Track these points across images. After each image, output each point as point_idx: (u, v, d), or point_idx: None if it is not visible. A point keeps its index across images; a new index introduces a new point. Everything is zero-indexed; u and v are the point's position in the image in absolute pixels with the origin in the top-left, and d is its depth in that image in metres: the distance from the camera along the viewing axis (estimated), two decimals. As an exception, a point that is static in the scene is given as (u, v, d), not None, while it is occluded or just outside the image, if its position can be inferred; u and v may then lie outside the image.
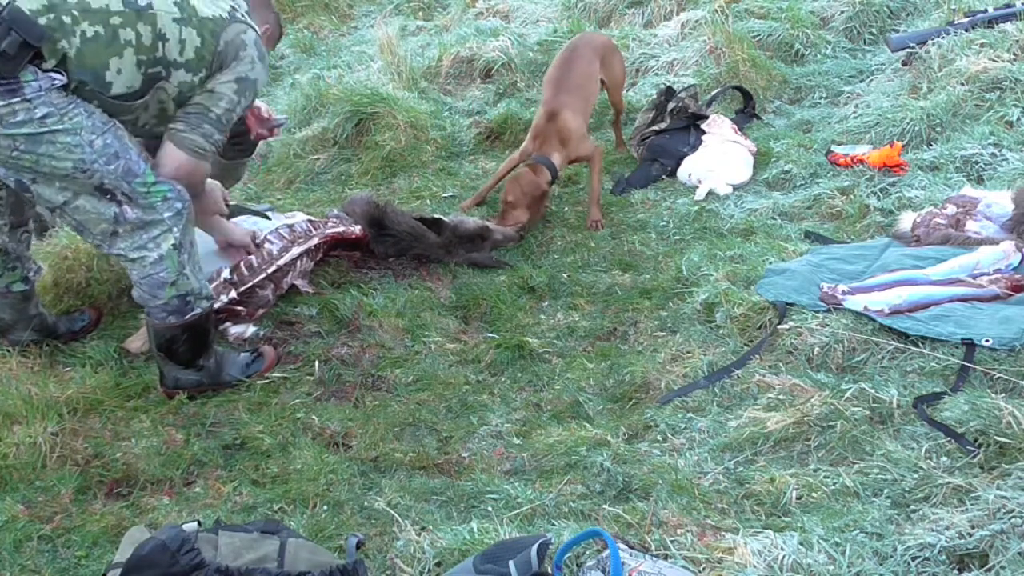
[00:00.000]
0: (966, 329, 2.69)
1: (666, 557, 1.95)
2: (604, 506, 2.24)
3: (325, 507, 2.36)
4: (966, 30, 4.55)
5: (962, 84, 4.21)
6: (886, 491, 2.17)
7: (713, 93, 4.78)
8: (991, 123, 3.97)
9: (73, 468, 2.48)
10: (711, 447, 2.49)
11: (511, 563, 1.80)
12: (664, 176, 4.29)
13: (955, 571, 1.87)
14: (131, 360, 2.99)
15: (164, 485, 2.47)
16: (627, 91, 4.83)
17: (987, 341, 2.62)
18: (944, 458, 2.25)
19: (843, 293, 2.95)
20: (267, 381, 2.90)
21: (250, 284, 3.14)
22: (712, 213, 3.91)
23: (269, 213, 3.45)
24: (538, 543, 1.84)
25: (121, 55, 2.46)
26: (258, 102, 3.11)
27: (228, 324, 3.12)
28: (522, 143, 4.66)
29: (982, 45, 4.40)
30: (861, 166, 3.98)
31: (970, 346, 2.63)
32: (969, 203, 3.38)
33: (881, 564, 1.89)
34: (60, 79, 2.40)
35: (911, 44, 4.68)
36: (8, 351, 2.88)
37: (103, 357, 2.97)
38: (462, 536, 2.07)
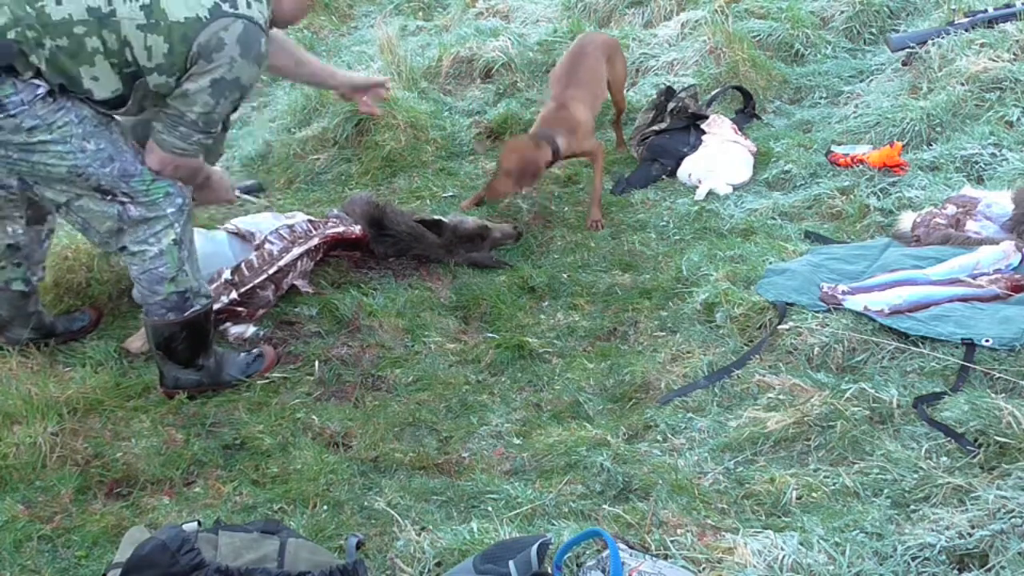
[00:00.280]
0: (966, 329, 2.69)
1: (666, 557, 1.95)
2: (604, 506, 2.24)
3: (325, 507, 2.36)
4: (966, 30, 4.54)
5: (962, 84, 4.21)
6: (886, 491, 2.17)
7: (713, 93, 4.78)
8: (991, 123, 3.97)
9: (73, 468, 2.48)
10: (711, 447, 2.49)
11: (511, 563, 1.80)
12: (664, 176, 4.29)
13: (955, 571, 1.87)
14: (131, 360, 2.99)
15: (164, 485, 2.47)
16: (627, 91, 4.83)
17: (987, 341, 2.62)
18: (944, 458, 2.25)
19: (843, 293, 2.95)
20: (267, 381, 2.90)
21: (251, 285, 3.14)
22: (712, 213, 3.90)
23: (262, 202, 3.41)
24: (538, 543, 1.84)
25: (92, 63, 2.42)
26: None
27: (228, 324, 3.12)
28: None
29: (982, 45, 4.40)
30: (861, 166, 3.98)
31: (970, 346, 2.63)
32: (969, 203, 3.38)
33: (881, 564, 1.89)
34: (43, 87, 2.39)
35: (911, 44, 4.68)
36: (8, 351, 2.87)
37: (103, 357, 2.97)
38: (462, 536, 2.07)
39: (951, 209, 3.39)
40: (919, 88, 4.44)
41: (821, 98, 4.93)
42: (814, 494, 2.21)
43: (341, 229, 3.43)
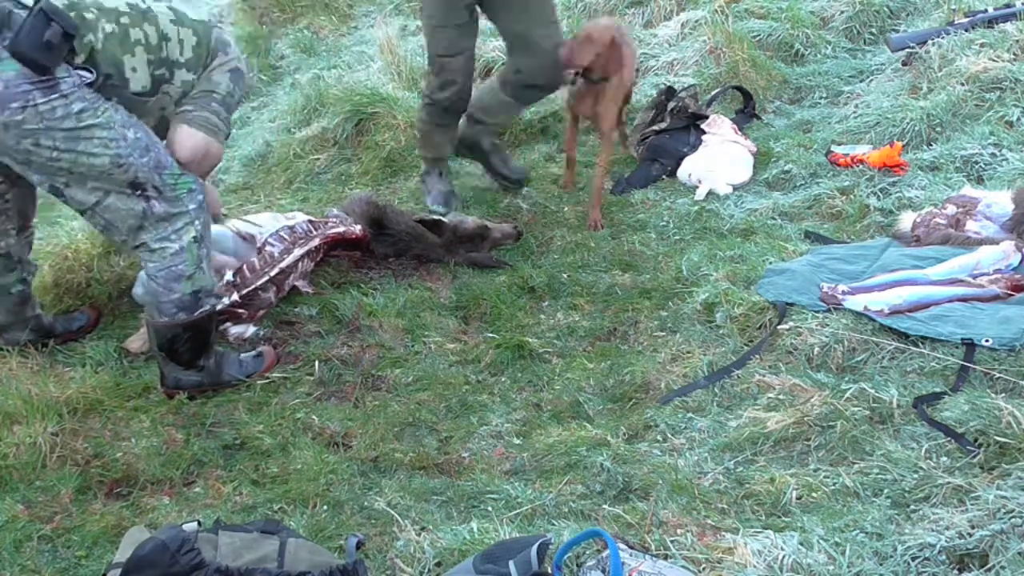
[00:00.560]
0: (966, 329, 2.69)
1: (666, 557, 1.95)
2: (604, 506, 2.24)
3: (325, 507, 2.36)
4: (966, 30, 4.54)
5: (962, 84, 4.21)
6: (886, 491, 2.17)
7: (713, 93, 4.78)
8: (991, 123, 3.97)
9: (73, 468, 2.48)
10: (711, 447, 2.49)
11: (511, 563, 1.80)
12: (664, 176, 4.29)
13: (955, 571, 1.86)
14: (131, 360, 3.00)
15: (164, 485, 2.47)
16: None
17: (987, 341, 2.62)
18: (944, 458, 2.25)
19: (843, 293, 2.95)
20: (267, 381, 2.90)
21: (253, 287, 3.14)
22: (712, 213, 3.90)
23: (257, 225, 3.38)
24: (538, 543, 1.84)
25: (134, 53, 2.52)
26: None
27: (228, 324, 3.12)
28: (523, 143, 4.67)
29: (982, 45, 4.40)
30: (861, 166, 3.98)
31: (970, 346, 2.63)
32: (969, 203, 3.38)
33: (881, 564, 1.89)
34: (89, 75, 2.45)
35: (911, 44, 4.68)
36: (8, 351, 2.88)
37: (103, 357, 2.97)
38: (462, 536, 2.07)
39: (951, 209, 3.39)
40: (919, 88, 4.44)
41: (821, 98, 4.93)
42: (814, 494, 2.21)
43: (341, 229, 3.44)
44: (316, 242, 3.33)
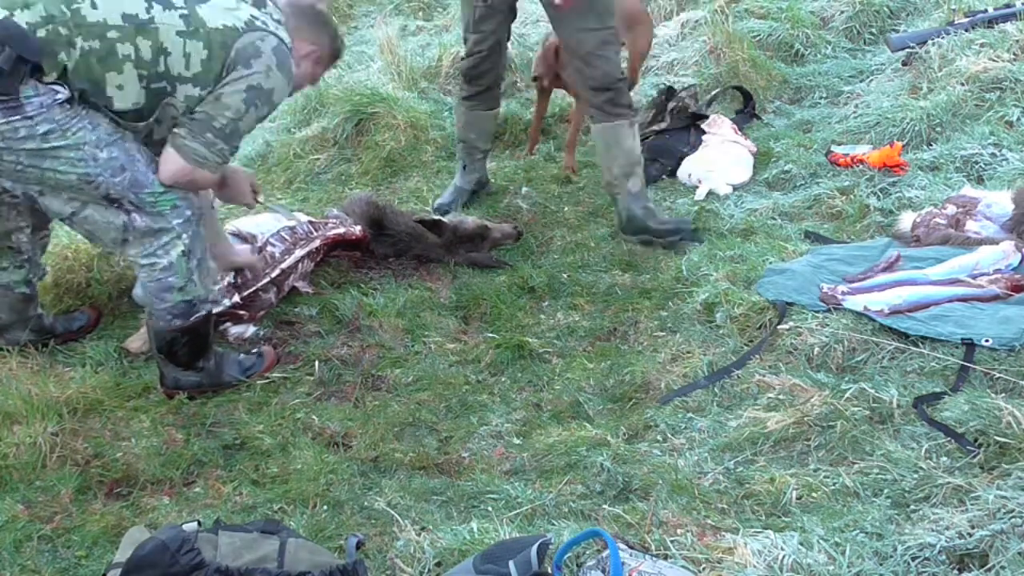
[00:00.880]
0: (966, 329, 2.69)
1: (666, 557, 1.95)
2: (604, 506, 2.24)
3: (325, 507, 2.36)
4: (966, 30, 4.55)
5: (962, 84, 4.21)
6: (886, 491, 2.17)
7: (713, 93, 4.78)
8: (991, 123, 3.97)
9: (73, 468, 2.48)
10: (711, 447, 2.49)
11: (511, 563, 1.80)
12: (664, 176, 4.29)
13: (955, 571, 1.86)
14: (131, 360, 2.99)
15: (164, 485, 2.47)
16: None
17: (987, 341, 2.62)
18: (944, 458, 2.25)
19: (843, 293, 2.95)
20: (267, 381, 2.90)
21: (253, 288, 3.14)
22: (712, 213, 3.90)
23: (284, 212, 3.40)
24: (538, 543, 1.84)
25: (120, 70, 2.40)
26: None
27: (228, 324, 3.12)
28: (522, 143, 4.66)
29: (982, 45, 4.41)
30: (861, 166, 3.98)
31: (970, 346, 2.63)
32: (969, 203, 3.38)
33: (881, 564, 1.89)
34: (63, 93, 2.37)
35: (911, 44, 4.68)
36: (8, 351, 2.87)
37: (103, 357, 2.97)
38: (462, 536, 2.07)
39: (951, 209, 3.39)
40: (919, 88, 4.45)
41: (821, 98, 4.93)
42: (814, 494, 2.21)
43: (342, 230, 3.43)
44: (316, 243, 3.33)
